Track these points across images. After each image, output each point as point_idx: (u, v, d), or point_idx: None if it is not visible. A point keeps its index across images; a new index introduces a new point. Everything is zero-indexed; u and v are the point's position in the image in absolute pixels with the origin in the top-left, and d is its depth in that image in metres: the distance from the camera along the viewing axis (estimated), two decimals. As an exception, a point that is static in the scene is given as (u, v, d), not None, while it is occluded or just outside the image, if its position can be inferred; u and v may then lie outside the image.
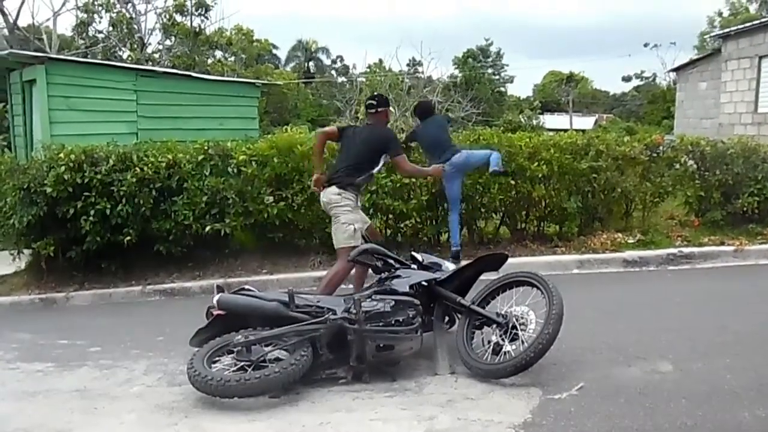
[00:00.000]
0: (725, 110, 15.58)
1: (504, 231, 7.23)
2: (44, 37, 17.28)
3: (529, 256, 6.56)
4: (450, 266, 4.27)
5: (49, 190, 6.02)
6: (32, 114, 9.25)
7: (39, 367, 4.29)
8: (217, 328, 3.83)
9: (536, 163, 6.70)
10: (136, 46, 17.84)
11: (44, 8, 48.42)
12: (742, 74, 14.99)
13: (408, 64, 27.00)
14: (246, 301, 3.89)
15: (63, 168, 6.04)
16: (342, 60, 47.96)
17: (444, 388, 3.55)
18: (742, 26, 15.80)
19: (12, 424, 3.38)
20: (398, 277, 4.03)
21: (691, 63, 19.87)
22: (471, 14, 75.21)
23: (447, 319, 4.10)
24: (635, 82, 48.32)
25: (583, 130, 9.30)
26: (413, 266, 4.19)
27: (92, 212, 6.09)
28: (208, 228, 6.28)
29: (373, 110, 5.11)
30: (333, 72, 46.76)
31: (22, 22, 17.69)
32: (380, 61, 26.96)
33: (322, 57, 47.78)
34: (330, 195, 4.92)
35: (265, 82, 17.16)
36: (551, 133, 8.32)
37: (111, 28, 17.86)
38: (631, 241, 6.86)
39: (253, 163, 6.39)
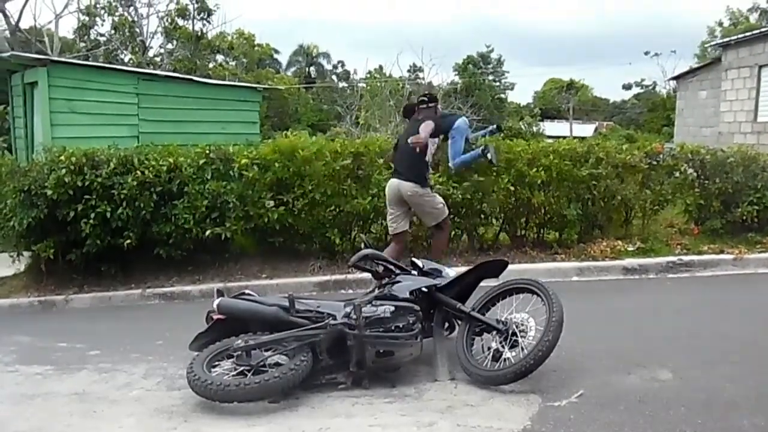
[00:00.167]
0: (725, 119, 15.60)
1: (504, 237, 7.23)
2: (46, 39, 17.33)
3: (528, 263, 6.58)
4: (450, 272, 4.27)
5: (49, 192, 6.02)
6: (33, 116, 9.26)
7: (38, 370, 4.29)
8: (217, 333, 3.84)
9: (535, 169, 6.71)
10: (137, 49, 17.92)
11: (46, 11, 48.53)
12: (742, 83, 15.03)
13: (409, 70, 27.12)
14: (246, 305, 3.89)
15: (64, 171, 6.06)
16: (343, 65, 48.21)
17: (444, 395, 3.55)
18: (742, 35, 15.84)
19: (10, 428, 3.38)
20: (398, 282, 4.03)
21: (692, 71, 19.91)
22: (472, 21, 75.51)
23: (447, 325, 4.09)
24: (635, 90, 48.35)
25: (583, 138, 9.30)
26: (413, 272, 4.19)
27: (92, 215, 6.09)
28: (208, 232, 6.28)
29: (425, 105, 5.89)
30: (334, 77, 46.91)
31: (24, 24, 17.78)
32: (380, 67, 27.09)
33: (323, 62, 48.03)
34: (409, 189, 5.62)
35: (266, 86, 17.23)
36: (551, 141, 8.32)
37: (113, 31, 17.93)
38: (630, 248, 6.86)
39: (255, 167, 6.40)
